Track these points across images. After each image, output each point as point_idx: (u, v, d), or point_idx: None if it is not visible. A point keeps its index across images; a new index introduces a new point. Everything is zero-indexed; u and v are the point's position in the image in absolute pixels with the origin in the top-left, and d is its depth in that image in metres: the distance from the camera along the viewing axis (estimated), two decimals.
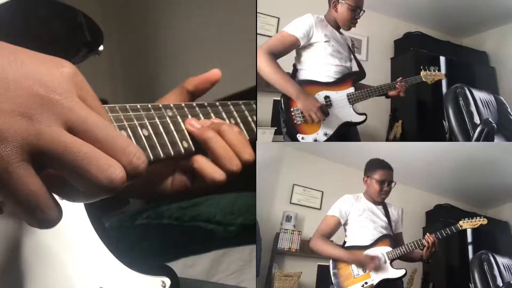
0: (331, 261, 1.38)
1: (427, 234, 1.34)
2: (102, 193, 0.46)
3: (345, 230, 1.40)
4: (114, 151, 0.46)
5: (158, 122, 0.73)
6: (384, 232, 1.37)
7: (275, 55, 1.21)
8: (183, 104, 0.80)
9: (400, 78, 1.29)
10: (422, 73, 1.31)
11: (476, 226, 1.37)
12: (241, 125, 0.88)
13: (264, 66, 1.18)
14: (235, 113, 0.89)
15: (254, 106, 0.94)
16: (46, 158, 0.44)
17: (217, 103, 0.87)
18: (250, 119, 0.91)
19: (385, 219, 1.39)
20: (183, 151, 0.75)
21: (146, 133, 0.70)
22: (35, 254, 0.56)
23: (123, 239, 1.36)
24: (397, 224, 1.43)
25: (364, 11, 1.26)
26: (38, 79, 0.45)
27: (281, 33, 1.26)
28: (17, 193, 0.43)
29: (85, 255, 0.60)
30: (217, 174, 0.77)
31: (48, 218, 0.45)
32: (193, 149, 0.77)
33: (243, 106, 0.91)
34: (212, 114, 0.84)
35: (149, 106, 0.74)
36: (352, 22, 1.26)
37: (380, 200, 1.40)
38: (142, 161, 0.48)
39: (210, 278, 1.61)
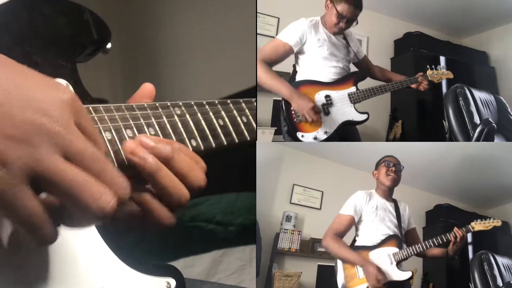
0: (337, 260, 1.37)
1: (456, 228, 1.31)
2: (93, 220, 0.50)
3: (357, 229, 1.40)
4: (104, 182, 0.49)
5: (166, 121, 0.73)
6: (395, 230, 1.37)
7: (269, 63, 1.23)
8: (192, 102, 0.79)
9: (421, 73, 1.29)
10: (429, 72, 1.31)
11: (489, 228, 1.33)
12: (252, 122, 0.86)
13: (259, 73, 1.21)
14: (247, 110, 0.87)
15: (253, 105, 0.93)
16: (44, 183, 0.47)
17: (228, 101, 0.85)
18: (251, 119, 0.90)
19: (394, 220, 1.39)
20: (191, 149, 0.74)
21: (152, 132, 0.69)
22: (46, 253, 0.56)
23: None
24: (410, 220, 1.42)
25: (357, 23, 1.25)
26: (42, 108, 0.48)
27: (275, 41, 1.26)
28: (18, 213, 0.46)
29: (88, 256, 0.60)
30: (168, 219, 0.64)
31: (45, 237, 0.48)
32: (202, 147, 0.76)
33: (255, 104, 0.90)
34: (223, 112, 0.83)
35: (157, 104, 0.73)
36: (336, 27, 1.26)
37: (388, 184, 1.39)
38: (127, 193, 0.52)
39: (210, 278, 1.61)
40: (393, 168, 1.38)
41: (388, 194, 1.41)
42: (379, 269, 1.29)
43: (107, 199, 0.48)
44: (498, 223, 1.32)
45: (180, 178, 0.64)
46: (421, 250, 1.32)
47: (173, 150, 0.64)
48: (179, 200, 0.63)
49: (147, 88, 0.78)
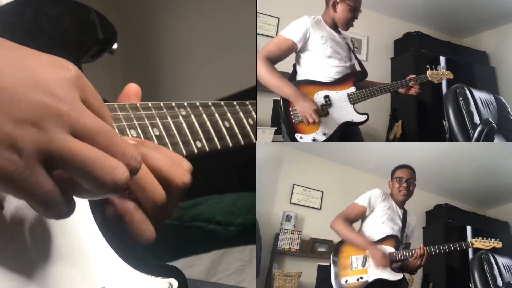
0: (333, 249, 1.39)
1: (421, 246, 1.33)
2: (108, 193, 0.50)
3: (362, 223, 1.42)
4: (114, 155, 0.50)
5: (171, 122, 0.72)
6: (398, 233, 1.38)
7: (273, 60, 1.22)
8: (198, 103, 0.78)
9: (414, 76, 1.28)
10: (429, 72, 1.31)
11: (488, 248, 1.35)
12: (245, 127, 0.86)
13: (262, 72, 1.20)
14: (253, 113, 0.86)
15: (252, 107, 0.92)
16: (57, 162, 0.48)
17: (234, 102, 0.85)
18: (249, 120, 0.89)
19: (400, 223, 1.40)
20: (196, 151, 0.74)
21: (157, 133, 0.69)
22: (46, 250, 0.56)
23: None
24: (413, 232, 1.45)
25: (361, 11, 1.26)
26: (47, 88, 0.48)
27: (278, 38, 1.26)
28: (34, 195, 0.47)
29: (89, 255, 0.60)
30: (148, 232, 0.64)
31: (62, 212, 0.50)
32: (207, 149, 0.76)
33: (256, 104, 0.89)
34: (229, 114, 0.82)
35: (161, 104, 0.73)
36: (350, 22, 1.27)
37: (400, 198, 1.42)
38: (138, 162, 0.53)
39: (210, 278, 1.61)
40: (405, 184, 1.40)
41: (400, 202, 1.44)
42: (384, 251, 1.31)
43: (120, 171, 0.49)
44: (498, 244, 1.35)
45: (155, 175, 0.63)
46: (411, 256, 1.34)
47: (146, 147, 0.63)
48: (154, 198, 0.63)
49: (132, 88, 0.77)
